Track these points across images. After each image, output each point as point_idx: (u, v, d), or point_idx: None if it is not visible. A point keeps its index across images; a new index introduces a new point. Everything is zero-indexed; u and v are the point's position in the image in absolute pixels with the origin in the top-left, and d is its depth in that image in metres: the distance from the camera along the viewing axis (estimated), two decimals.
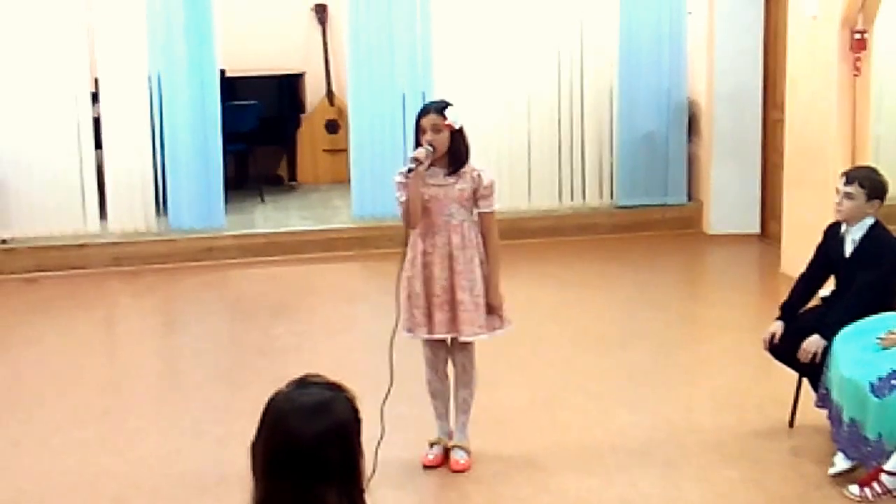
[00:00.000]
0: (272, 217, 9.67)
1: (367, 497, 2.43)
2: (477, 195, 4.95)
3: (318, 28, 11.10)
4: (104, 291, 8.36)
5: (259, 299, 8.14)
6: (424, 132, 4.84)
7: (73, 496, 4.92)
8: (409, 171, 4.77)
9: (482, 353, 6.67)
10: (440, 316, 4.92)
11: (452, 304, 4.92)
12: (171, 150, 8.98)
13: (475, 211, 4.98)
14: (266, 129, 10.27)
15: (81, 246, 8.81)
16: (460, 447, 5.10)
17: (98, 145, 9.01)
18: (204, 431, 5.58)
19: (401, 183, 4.86)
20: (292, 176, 11.05)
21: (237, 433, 5.26)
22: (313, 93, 11.05)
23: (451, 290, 4.91)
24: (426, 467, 5.05)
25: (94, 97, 9.05)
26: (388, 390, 4.82)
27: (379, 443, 4.59)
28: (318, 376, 2.46)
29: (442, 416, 5.15)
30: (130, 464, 5.21)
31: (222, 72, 9.35)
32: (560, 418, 5.64)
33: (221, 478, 4.96)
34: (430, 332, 4.95)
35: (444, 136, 4.84)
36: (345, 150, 9.84)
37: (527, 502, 4.76)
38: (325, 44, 11.03)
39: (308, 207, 10.02)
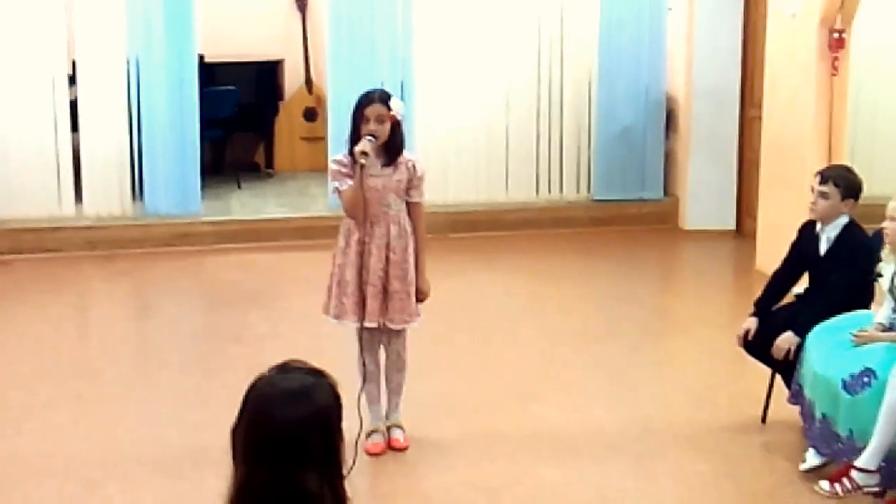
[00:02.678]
0: (249, 204, 9.64)
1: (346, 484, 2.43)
2: (410, 185, 4.98)
3: (298, 15, 11.06)
4: (78, 275, 8.31)
5: (235, 286, 8.12)
6: (367, 121, 4.82)
7: (46, 481, 4.89)
8: (362, 166, 4.77)
9: (458, 344, 6.70)
10: (373, 304, 4.94)
11: (385, 293, 4.96)
12: (148, 135, 8.93)
13: (406, 200, 5.00)
14: (244, 116, 10.23)
15: (56, 229, 8.75)
16: (398, 426, 5.18)
17: (74, 128, 8.95)
18: (178, 417, 5.56)
19: (338, 172, 4.90)
20: (269, 163, 11.01)
21: (212, 419, 5.26)
22: (292, 80, 11.01)
23: (386, 279, 4.95)
24: (371, 455, 5.04)
25: (72, 80, 8.99)
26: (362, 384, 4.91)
27: (359, 433, 4.64)
28: (301, 362, 2.46)
29: (375, 400, 5.17)
30: (104, 449, 5.19)
31: (201, 57, 9.31)
32: (534, 411, 5.66)
33: (195, 463, 4.95)
34: (361, 319, 4.96)
35: (387, 127, 4.85)
36: (323, 139, 9.82)
37: (501, 493, 4.78)
38: (304, 31, 10.99)
39: (285, 195, 9.99)
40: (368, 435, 5.09)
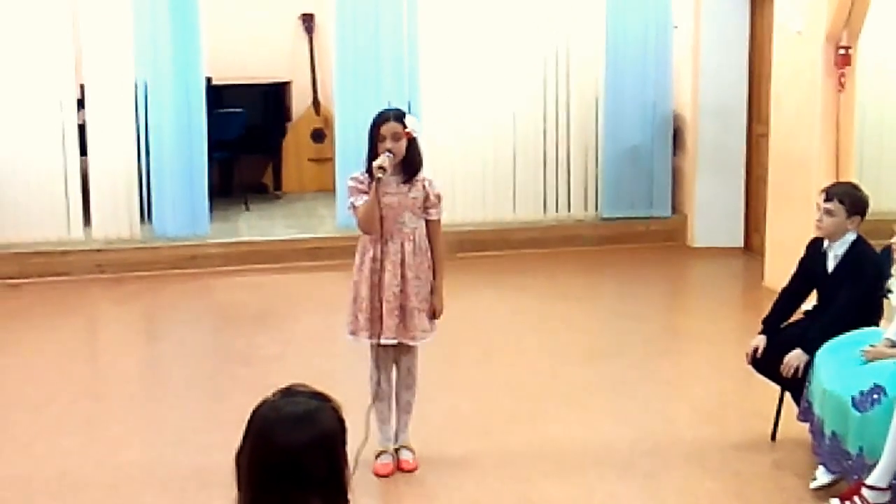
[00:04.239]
0: (257, 225, 9.66)
1: None
2: (427, 203, 5.02)
3: (305, 37, 11.11)
4: (87, 298, 8.33)
5: (243, 308, 8.13)
6: (384, 139, 4.87)
7: None
8: (378, 179, 4.81)
9: (465, 363, 6.69)
10: (390, 321, 4.97)
11: (403, 310, 4.99)
12: (157, 158, 8.97)
13: (424, 218, 5.04)
14: (252, 138, 10.26)
15: (65, 252, 8.78)
16: (407, 447, 5.19)
17: (83, 152, 8.98)
18: (186, 440, 5.56)
19: (354, 188, 4.95)
20: (277, 185, 11.04)
21: (220, 442, 5.25)
22: (299, 102, 11.05)
23: (403, 296, 4.97)
24: (380, 476, 5.05)
25: (80, 103, 9.03)
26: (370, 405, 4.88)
27: (362, 447, 4.63)
28: (305, 386, 2.45)
29: (385, 420, 5.19)
30: (112, 471, 5.19)
31: (208, 79, 9.34)
32: (542, 429, 5.65)
33: (203, 485, 4.95)
34: (377, 336, 4.99)
35: (403, 144, 4.90)
36: (330, 160, 9.84)
37: None
38: (311, 53, 11.04)
39: (293, 216, 10.01)
40: (377, 455, 5.10)
